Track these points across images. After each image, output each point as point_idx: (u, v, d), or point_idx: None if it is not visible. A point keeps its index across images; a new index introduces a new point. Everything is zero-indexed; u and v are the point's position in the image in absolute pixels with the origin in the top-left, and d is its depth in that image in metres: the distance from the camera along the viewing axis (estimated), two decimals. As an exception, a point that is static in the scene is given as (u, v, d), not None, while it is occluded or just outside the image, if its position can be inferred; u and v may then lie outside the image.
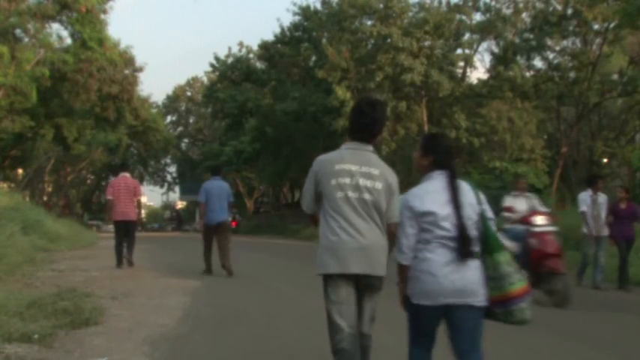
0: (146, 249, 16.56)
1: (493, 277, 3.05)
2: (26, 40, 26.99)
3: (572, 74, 28.00)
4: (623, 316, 7.08)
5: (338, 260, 3.14)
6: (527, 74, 28.83)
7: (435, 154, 3.18)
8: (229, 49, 51.45)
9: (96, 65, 27.70)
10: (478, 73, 73.86)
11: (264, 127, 35.70)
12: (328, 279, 3.20)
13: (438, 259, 2.99)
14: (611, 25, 25.12)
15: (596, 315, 7.08)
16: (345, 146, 3.33)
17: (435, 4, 29.97)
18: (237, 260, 14.45)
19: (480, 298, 3.01)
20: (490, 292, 3.05)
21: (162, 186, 67.98)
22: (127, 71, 31.83)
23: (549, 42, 28.14)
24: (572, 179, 29.21)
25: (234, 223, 49.42)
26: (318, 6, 33.18)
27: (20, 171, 41.51)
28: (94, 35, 27.24)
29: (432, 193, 3.09)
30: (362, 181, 3.20)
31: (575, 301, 7.44)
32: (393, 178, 3.32)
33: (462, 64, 30.82)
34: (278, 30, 35.71)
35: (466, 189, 3.13)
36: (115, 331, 5.33)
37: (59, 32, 32.00)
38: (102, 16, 27.87)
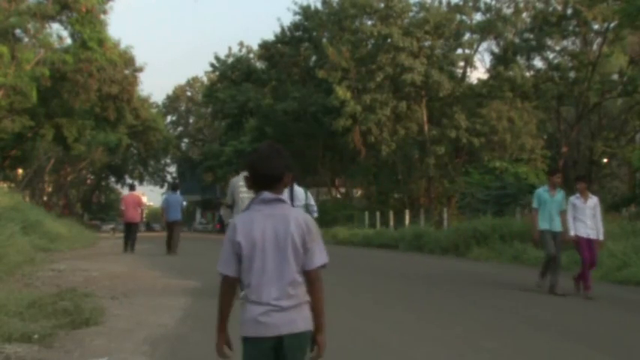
0: (145, 249, 16.56)
1: None
2: (26, 40, 27.01)
3: (572, 74, 28.00)
4: (624, 316, 7.07)
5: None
6: (527, 74, 28.83)
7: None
8: (229, 48, 51.29)
9: (96, 65, 27.69)
10: (478, 73, 73.86)
11: (264, 127, 35.68)
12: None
13: None
14: (611, 25, 25.13)
15: (596, 314, 7.06)
16: (242, 174, 6.36)
17: (436, 4, 30.00)
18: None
19: None
20: None
21: (162, 186, 67.93)
22: (127, 71, 31.85)
23: (549, 42, 28.15)
24: (572, 179, 29.17)
25: None
26: (319, 6, 33.21)
27: (20, 171, 41.47)
28: (94, 35, 27.24)
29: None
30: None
31: (577, 300, 7.44)
32: None
33: (462, 64, 30.84)
34: (278, 30, 35.76)
35: (299, 190, 7.16)
36: (115, 331, 5.32)
37: (59, 32, 31.96)
38: (102, 17, 27.92)
